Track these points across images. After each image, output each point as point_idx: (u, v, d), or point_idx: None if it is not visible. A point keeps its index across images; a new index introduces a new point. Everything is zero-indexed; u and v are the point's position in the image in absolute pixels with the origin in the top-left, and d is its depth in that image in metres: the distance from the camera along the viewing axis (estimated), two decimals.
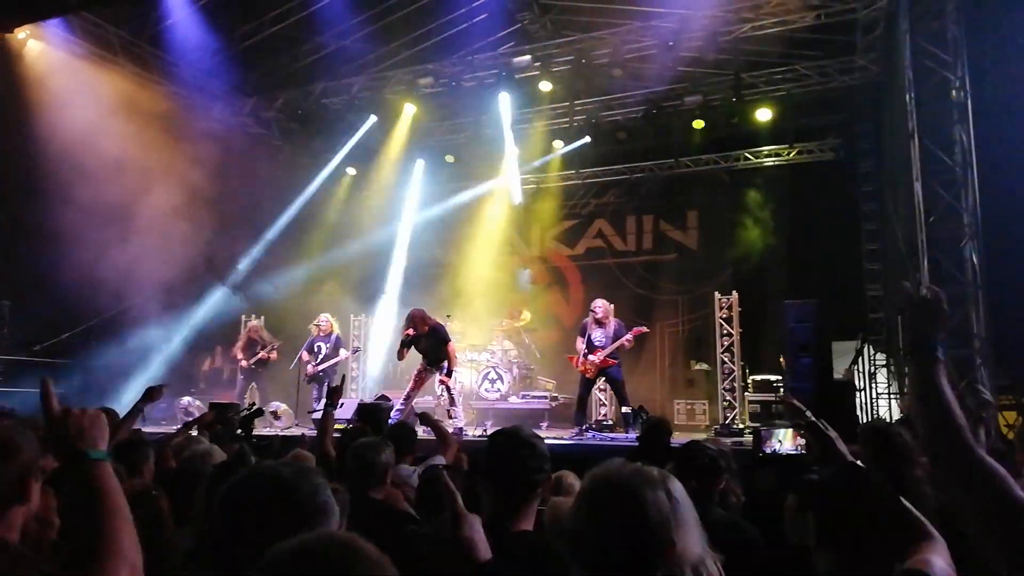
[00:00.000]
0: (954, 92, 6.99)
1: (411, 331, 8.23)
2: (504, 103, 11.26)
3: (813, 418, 2.64)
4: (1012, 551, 1.32)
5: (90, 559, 1.23)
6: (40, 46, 9.31)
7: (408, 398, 8.41)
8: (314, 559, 0.93)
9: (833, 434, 2.40)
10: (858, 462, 2.44)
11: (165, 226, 9.50)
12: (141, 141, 9.42)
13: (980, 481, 1.36)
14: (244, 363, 10.10)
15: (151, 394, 4.15)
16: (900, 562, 1.88)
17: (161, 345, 10.09)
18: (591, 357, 8.47)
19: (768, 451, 5.12)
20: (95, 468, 1.32)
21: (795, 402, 3.03)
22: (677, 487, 2.27)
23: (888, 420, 9.77)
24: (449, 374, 8.27)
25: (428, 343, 8.31)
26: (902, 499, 1.99)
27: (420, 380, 8.53)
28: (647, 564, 1.47)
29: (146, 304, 9.57)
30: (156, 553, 1.98)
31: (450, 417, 8.32)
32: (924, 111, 7.01)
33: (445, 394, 8.55)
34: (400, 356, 8.49)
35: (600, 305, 8.70)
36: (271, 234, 11.91)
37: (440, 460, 4.19)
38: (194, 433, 4.42)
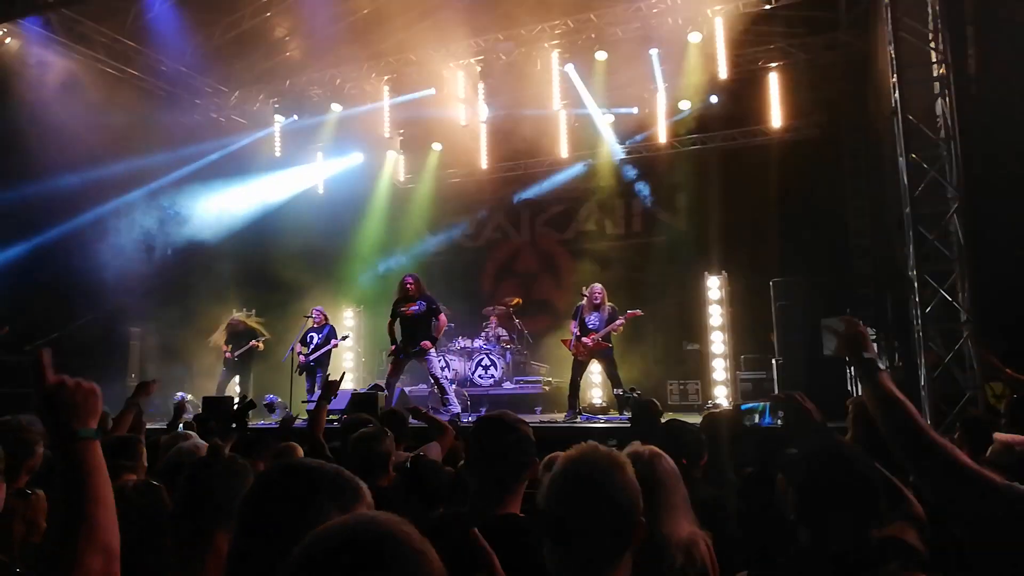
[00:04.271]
0: (936, 65, 6.99)
1: (407, 291, 8.25)
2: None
3: (801, 400, 2.66)
4: (963, 510, 1.49)
5: (67, 539, 1.20)
6: (18, 44, 9.21)
7: (389, 385, 8.41)
8: (358, 545, 0.90)
9: (811, 406, 2.44)
10: (836, 434, 2.48)
11: (149, 223, 9.47)
12: (123, 138, 9.36)
13: (935, 458, 1.53)
14: (228, 355, 10.06)
15: (142, 389, 4.16)
16: (880, 529, 1.92)
17: (150, 342, 10.05)
18: (584, 340, 8.51)
19: (747, 424, 5.19)
20: (83, 447, 1.27)
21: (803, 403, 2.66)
22: (665, 466, 2.30)
23: None
24: (433, 341, 8.26)
25: (417, 312, 8.28)
26: (881, 468, 2.03)
27: (397, 364, 8.49)
28: (616, 544, 1.50)
29: (133, 301, 9.53)
30: (161, 545, 2.00)
31: (444, 405, 8.35)
32: (907, 85, 7.02)
33: (435, 385, 8.54)
34: (391, 328, 8.44)
35: (598, 290, 8.73)
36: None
37: (434, 448, 4.22)
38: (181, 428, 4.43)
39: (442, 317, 8.43)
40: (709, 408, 9.18)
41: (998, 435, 2.92)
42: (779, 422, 4.91)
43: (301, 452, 3.78)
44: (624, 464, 1.57)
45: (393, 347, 8.39)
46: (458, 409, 8.40)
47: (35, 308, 8.87)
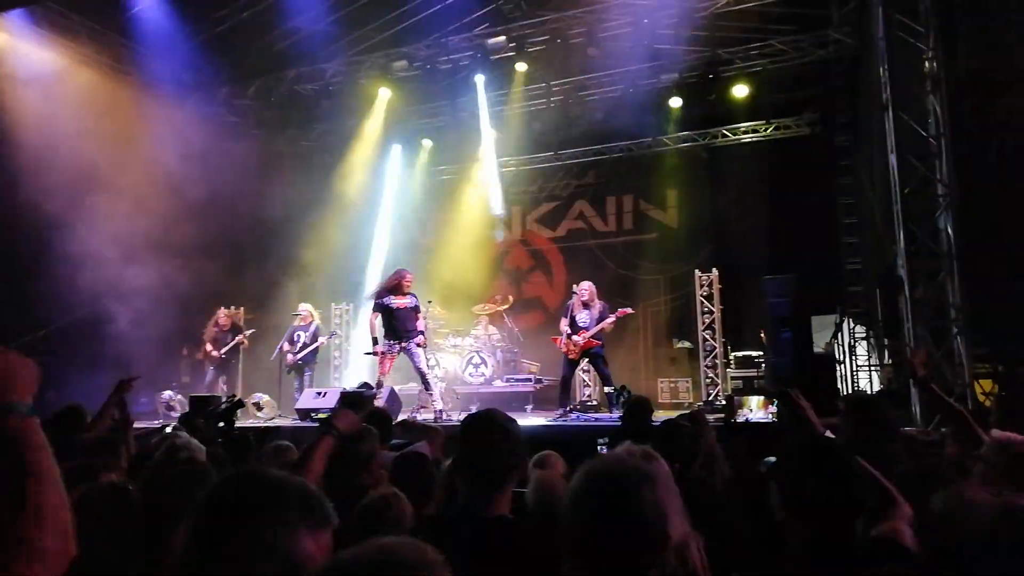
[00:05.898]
0: (927, 63, 6.99)
1: (403, 284, 8.26)
2: (480, 85, 11.21)
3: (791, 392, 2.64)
4: None
5: (13, 523, 1.08)
6: (4, 37, 9.08)
7: (379, 384, 8.36)
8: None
9: (805, 404, 2.41)
10: (828, 433, 2.46)
11: (138, 219, 9.36)
12: (111, 133, 9.24)
13: None
14: (214, 353, 9.97)
15: (122, 387, 4.10)
16: (869, 529, 1.89)
17: (138, 339, 9.92)
18: (575, 338, 8.48)
19: (740, 420, 5.19)
20: (18, 423, 1.13)
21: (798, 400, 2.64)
22: (662, 469, 2.27)
23: (869, 392, 9.90)
24: (422, 335, 8.33)
25: (409, 306, 8.30)
26: (868, 466, 2.00)
27: (384, 360, 8.43)
28: (642, 561, 1.45)
29: (120, 299, 9.42)
30: (123, 550, 1.96)
31: (430, 399, 8.33)
32: (898, 83, 7.02)
33: (420, 379, 8.50)
34: (373, 322, 8.36)
35: (586, 287, 8.71)
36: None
37: (423, 448, 4.17)
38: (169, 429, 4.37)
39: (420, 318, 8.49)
40: (700, 407, 9.18)
41: (995, 432, 2.86)
42: (772, 417, 4.91)
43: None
44: (652, 477, 1.49)
45: (377, 346, 8.32)
46: (441, 405, 8.37)
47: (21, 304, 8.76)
